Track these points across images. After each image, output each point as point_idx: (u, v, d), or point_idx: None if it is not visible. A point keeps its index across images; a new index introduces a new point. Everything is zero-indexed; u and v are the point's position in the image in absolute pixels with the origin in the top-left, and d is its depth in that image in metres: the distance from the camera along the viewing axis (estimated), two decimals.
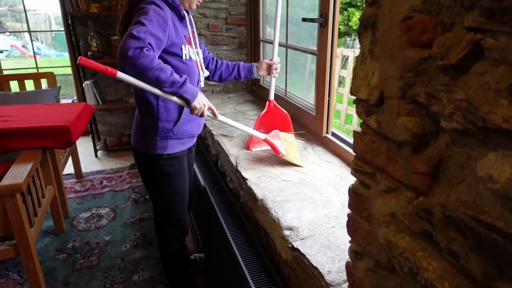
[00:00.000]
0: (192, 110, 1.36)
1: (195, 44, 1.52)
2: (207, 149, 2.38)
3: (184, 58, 1.41)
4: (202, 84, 1.54)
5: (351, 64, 5.34)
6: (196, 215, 2.33)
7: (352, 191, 0.78)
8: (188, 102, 1.34)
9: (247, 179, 1.54)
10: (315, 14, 1.93)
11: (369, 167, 0.71)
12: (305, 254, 1.08)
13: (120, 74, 1.26)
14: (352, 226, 0.81)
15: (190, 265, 1.99)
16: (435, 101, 0.53)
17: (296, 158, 1.67)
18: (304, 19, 1.80)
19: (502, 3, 0.41)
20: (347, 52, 5.60)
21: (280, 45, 2.36)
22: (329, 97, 1.81)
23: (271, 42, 2.56)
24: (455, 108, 0.49)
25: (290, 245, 1.15)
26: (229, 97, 2.87)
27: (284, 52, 2.29)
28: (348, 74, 5.31)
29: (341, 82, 5.78)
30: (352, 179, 1.45)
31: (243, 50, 2.88)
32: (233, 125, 1.60)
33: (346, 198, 1.37)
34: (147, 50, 1.19)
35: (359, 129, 0.73)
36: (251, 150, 1.83)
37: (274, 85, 1.84)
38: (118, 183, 3.08)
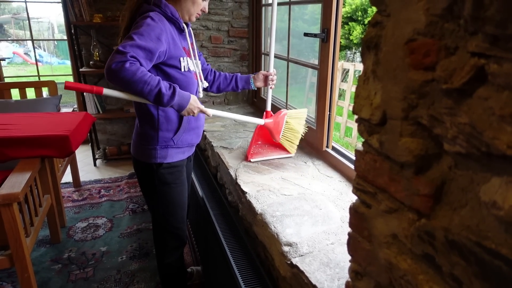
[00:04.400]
0: (181, 115, 1.40)
1: (194, 55, 1.54)
2: (206, 160, 2.38)
3: (183, 70, 1.42)
4: (201, 95, 1.55)
5: (351, 77, 5.37)
6: (193, 226, 2.32)
7: (353, 210, 0.77)
8: (177, 111, 1.38)
9: (246, 192, 1.53)
10: (316, 28, 1.95)
11: (371, 186, 0.71)
12: (304, 271, 1.07)
13: (106, 91, 1.31)
14: (352, 245, 0.80)
15: (187, 278, 1.97)
16: (438, 123, 0.53)
17: (291, 142, 1.79)
18: (306, 34, 1.82)
19: (506, 30, 0.41)
20: (347, 66, 5.65)
21: (281, 58, 2.38)
22: (329, 111, 1.81)
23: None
24: (459, 131, 0.49)
25: (289, 262, 1.14)
26: (230, 108, 2.87)
27: (286, 65, 2.30)
28: (348, 87, 5.35)
29: (341, 95, 5.82)
30: (352, 195, 1.44)
31: (245, 62, 2.89)
32: (227, 116, 1.64)
33: (346, 214, 1.36)
34: (130, 63, 1.20)
35: (360, 148, 0.73)
36: (249, 161, 1.82)
37: (270, 96, 1.86)
38: (116, 192, 3.06)
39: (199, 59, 1.65)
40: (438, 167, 0.56)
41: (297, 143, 1.81)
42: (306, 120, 2.08)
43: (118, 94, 1.32)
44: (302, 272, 1.07)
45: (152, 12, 1.34)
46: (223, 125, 2.47)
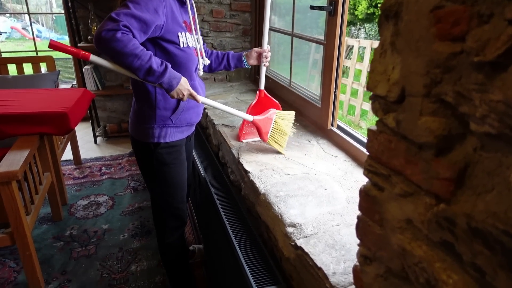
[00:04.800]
0: (170, 96, 1.33)
1: (196, 30, 1.46)
2: (208, 138, 2.33)
3: (182, 45, 1.35)
4: (200, 73, 1.49)
5: (355, 54, 5.24)
6: (195, 205, 2.30)
7: (364, 193, 0.73)
8: (166, 91, 1.31)
9: (249, 172, 1.49)
10: (321, 2, 1.86)
11: (384, 168, 0.66)
12: (309, 253, 1.04)
13: (93, 58, 1.24)
14: (362, 229, 0.76)
15: (189, 256, 1.96)
16: (465, 101, 0.48)
17: (279, 144, 1.66)
18: (312, 7, 1.73)
19: None
20: (352, 42, 5.50)
21: (285, 33, 2.29)
22: (335, 88, 1.75)
23: (277, 30, 2.49)
24: (489, 110, 0.44)
25: (293, 243, 1.11)
26: (232, 86, 2.81)
27: (290, 41, 2.22)
28: (352, 64, 5.22)
29: (344, 72, 5.70)
30: (358, 175, 1.40)
31: (247, 37, 2.80)
32: (216, 107, 1.54)
33: (351, 194, 1.33)
34: (122, 33, 1.14)
35: (374, 127, 0.68)
36: (241, 141, 1.78)
37: (264, 74, 1.77)
38: (117, 170, 3.04)
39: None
40: (462, 148, 0.51)
41: (285, 145, 1.69)
42: (310, 98, 2.02)
43: (106, 64, 1.25)
44: (306, 254, 1.05)
45: None
46: (225, 102, 2.41)
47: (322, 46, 1.82)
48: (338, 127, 1.81)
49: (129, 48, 1.16)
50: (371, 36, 7.36)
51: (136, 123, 1.46)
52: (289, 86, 2.26)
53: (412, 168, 0.60)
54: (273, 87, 2.50)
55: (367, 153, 0.71)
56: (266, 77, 2.65)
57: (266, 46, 1.69)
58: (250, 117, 1.65)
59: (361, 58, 5.26)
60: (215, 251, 1.72)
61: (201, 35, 1.56)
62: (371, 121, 5.00)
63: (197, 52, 1.45)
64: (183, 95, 1.33)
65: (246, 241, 1.43)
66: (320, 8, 1.68)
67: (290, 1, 2.18)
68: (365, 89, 5.40)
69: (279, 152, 1.66)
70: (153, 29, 1.25)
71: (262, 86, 1.80)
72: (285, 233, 1.17)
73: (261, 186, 1.39)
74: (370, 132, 0.69)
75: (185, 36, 1.37)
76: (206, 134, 2.39)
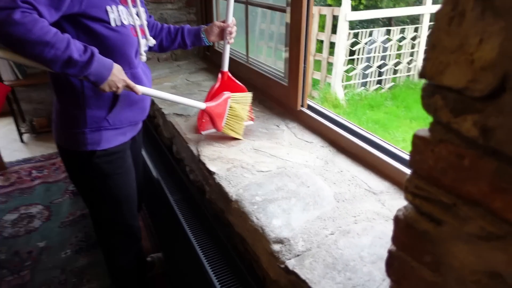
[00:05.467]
0: (100, 90, 1.02)
1: (134, 2, 1.13)
2: (157, 129, 2.01)
3: (113, 24, 1.03)
4: (143, 58, 1.17)
5: (329, 26, 4.89)
6: (150, 210, 2.00)
7: (405, 224, 0.51)
8: (94, 84, 1.00)
9: (214, 173, 1.23)
10: None
11: (446, 194, 0.44)
12: (307, 280, 0.82)
13: None
14: (399, 269, 0.55)
15: (147, 269, 1.68)
16: None
17: (235, 131, 1.45)
18: None
19: None
20: (324, 11, 5.08)
21: (237, 1, 1.98)
22: (304, 63, 1.51)
23: None
24: None
25: (282, 265, 0.89)
26: (179, 65, 2.46)
27: (244, 10, 1.92)
28: (326, 37, 4.86)
29: (319, 47, 5.32)
30: (341, 163, 1.18)
31: (192, 8, 2.44)
32: (162, 97, 1.24)
33: (338, 189, 1.12)
34: (22, 12, 0.82)
35: (424, 133, 0.45)
36: (201, 133, 1.50)
37: (228, 53, 1.48)
38: (52, 172, 2.61)
39: (143, 8, 1.24)
40: None
41: (242, 132, 1.47)
42: (274, 75, 1.77)
43: (7, 56, 0.90)
44: (303, 281, 0.83)
45: None
46: (174, 86, 2.08)
47: (278, 14, 1.56)
48: (309, 107, 1.58)
49: (35, 34, 0.83)
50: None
51: (61, 127, 1.12)
52: (247, 62, 1.98)
53: (506, 200, 0.38)
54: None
55: (410, 169, 0.48)
56: (217, 52, 2.35)
57: (230, 19, 1.38)
58: (202, 105, 1.37)
59: (322, 28, 5.00)
60: (177, 259, 1.46)
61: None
62: (324, 90, 4.88)
63: (136, 31, 1.12)
64: (117, 87, 1.02)
65: (216, 255, 1.19)
66: None
67: None
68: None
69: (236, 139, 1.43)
70: (69, 3, 0.92)
71: (226, 67, 1.50)
72: (270, 252, 0.93)
73: (232, 191, 1.14)
74: (418, 139, 0.46)
75: (118, 11, 1.04)
76: (154, 124, 2.06)
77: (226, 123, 1.43)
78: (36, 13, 0.84)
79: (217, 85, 1.50)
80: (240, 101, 1.46)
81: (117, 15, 1.03)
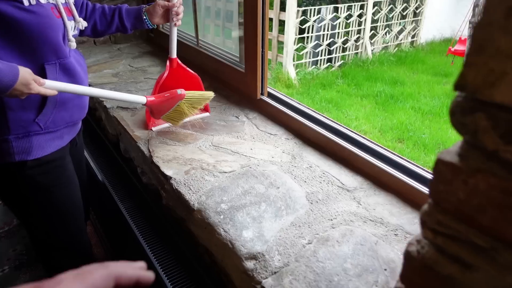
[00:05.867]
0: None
1: None
2: (99, 124, 1.79)
3: (26, 2, 0.83)
4: (73, 44, 0.97)
5: (277, 3, 4.66)
6: (98, 215, 1.80)
7: (421, 263, 0.42)
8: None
9: (170, 177, 1.08)
10: None
11: (481, 235, 0.35)
12: None
13: None
14: None
15: None
16: None
17: (173, 120, 1.32)
18: None
19: None
20: None
21: None
22: (262, 47, 1.38)
23: None
24: None
25: (259, 286, 0.79)
26: (120, 49, 2.21)
27: None
28: (275, 14, 4.67)
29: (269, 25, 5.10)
30: (309, 157, 1.09)
31: None
32: (89, 94, 1.03)
33: (310, 189, 1.04)
34: None
35: (453, 157, 0.35)
36: (151, 129, 1.34)
37: (175, 37, 1.29)
38: None
39: None
40: None
41: (182, 122, 1.35)
42: (228, 60, 1.62)
43: None
44: None
45: None
46: (116, 73, 1.86)
47: None
48: (270, 95, 1.47)
49: None
50: None
51: None
52: (197, 45, 1.81)
53: None
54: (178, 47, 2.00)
55: (431, 199, 0.39)
56: (162, 34, 2.13)
57: None
58: (142, 99, 1.18)
59: (270, 6, 4.81)
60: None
61: None
62: (276, 70, 4.79)
63: (59, 11, 0.92)
64: (21, 95, 0.82)
65: (178, 269, 1.07)
66: None
67: None
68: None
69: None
70: None
71: (174, 53, 1.32)
72: (243, 270, 0.83)
73: (193, 198, 1.01)
74: (444, 166, 0.36)
75: None
76: (96, 117, 1.83)
77: (166, 115, 1.28)
78: None
79: (166, 73, 1.32)
80: (195, 101, 1.29)
81: None
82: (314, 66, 5.06)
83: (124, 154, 1.51)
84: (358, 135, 1.18)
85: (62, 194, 1.04)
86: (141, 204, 1.27)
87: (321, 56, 5.08)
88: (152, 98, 1.20)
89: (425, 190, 0.94)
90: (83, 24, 1.02)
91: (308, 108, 1.34)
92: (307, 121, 1.28)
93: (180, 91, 1.23)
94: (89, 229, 1.52)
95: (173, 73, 1.33)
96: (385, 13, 5.60)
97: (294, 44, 4.70)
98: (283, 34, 4.64)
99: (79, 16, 1.12)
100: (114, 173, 1.44)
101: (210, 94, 1.32)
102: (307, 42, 4.91)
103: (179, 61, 1.34)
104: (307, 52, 4.94)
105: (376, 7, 5.42)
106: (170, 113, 1.27)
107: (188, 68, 1.37)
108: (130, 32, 1.22)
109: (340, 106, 4.17)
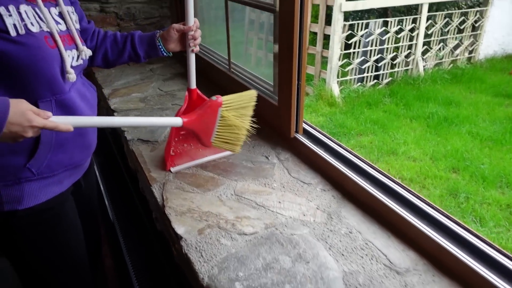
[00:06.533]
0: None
1: None
2: (120, 151, 1.68)
3: (13, 32, 0.71)
4: (72, 77, 0.82)
5: (323, 17, 4.44)
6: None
7: None
8: None
9: (181, 237, 0.92)
10: None
11: None
12: None
13: None
14: None
15: None
16: None
17: (231, 143, 1.11)
18: None
19: None
20: (318, 1, 4.63)
21: None
22: (299, 79, 1.19)
23: None
24: None
25: None
26: (152, 69, 2.12)
27: (223, 5, 1.58)
28: (320, 29, 4.46)
29: (313, 39, 4.87)
30: (348, 217, 0.88)
31: (165, 2, 2.09)
32: (111, 124, 0.88)
33: (349, 267, 0.82)
34: None
35: None
36: (169, 170, 1.18)
37: (194, 65, 1.13)
38: None
39: (72, 7, 0.91)
40: None
41: (241, 143, 1.13)
42: (262, 90, 1.44)
43: None
44: None
45: None
46: (144, 98, 1.75)
47: (269, 14, 1.23)
48: (306, 132, 1.27)
49: None
50: None
51: None
52: (229, 71, 1.66)
53: None
54: (207, 70, 1.87)
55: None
56: (197, 56, 1.99)
57: (192, 20, 1.04)
58: (178, 121, 1.02)
59: (314, 19, 4.63)
60: None
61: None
62: (318, 87, 4.56)
63: (55, 40, 0.79)
64: (24, 132, 0.68)
65: None
66: None
67: None
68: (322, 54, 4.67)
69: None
70: None
71: (193, 84, 1.17)
72: None
73: (203, 270, 0.83)
74: None
75: (19, 13, 0.72)
76: (119, 145, 1.72)
77: (217, 137, 1.08)
78: None
79: (184, 107, 1.17)
80: (237, 105, 1.09)
81: (19, 19, 0.72)
82: (359, 83, 4.77)
83: (141, 191, 1.37)
84: (412, 193, 0.95)
85: (59, 244, 0.91)
86: (150, 258, 1.12)
87: (367, 72, 4.79)
88: (187, 119, 1.02)
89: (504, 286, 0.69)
90: (86, 53, 0.89)
91: (350, 152, 1.13)
92: (347, 169, 1.07)
93: (215, 97, 1.05)
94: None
95: (193, 106, 1.17)
96: (440, 27, 5.19)
97: (339, 60, 4.46)
98: (328, 49, 4.41)
99: (89, 45, 1.01)
100: (128, 212, 1.31)
101: (252, 93, 1.12)
102: (353, 58, 4.64)
103: (199, 92, 1.19)
104: (352, 69, 4.67)
105: (430, 21, 5.04)
106: (220, 133, 1.08)
107: (208, 98, 1.20)
108: (144, 61, 1.09)
109: (386, 127, 3.86)
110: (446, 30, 5.28)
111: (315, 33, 4.60)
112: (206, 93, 1.20)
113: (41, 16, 0.77)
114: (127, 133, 1.42)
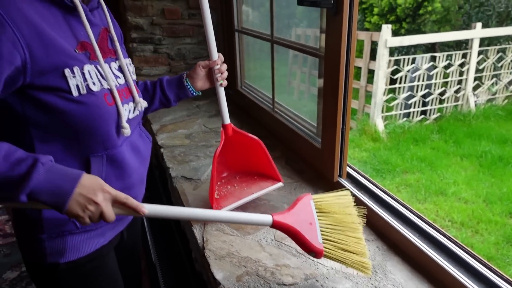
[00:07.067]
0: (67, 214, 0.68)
1: (115, 54, 0.86)
2: (165, 186, 1.72)
3: (75, 93, 0.73)
4: (127, 131, 0.82)
5: (367, 51, 4.37)
6: None
7: None
8: (56, 209, 0.67)
9: (220, 283, 0.91)
10: None
11: None
12: None
13: None
14: None
15: None
16: None
17: (350, 250, 0.83)
18: (301, 1, 1.14)
19: None
20: (361, 36, 4.56)
21: (263, 38, 1.70)
22: (343, 124, 1.18)
23: (249, 33, 1.89)
24: None
25: None
26: (198, 106, 2.20)
27: (269, 49, 1.63)
28: (364, 64, 4.40)
29: (357, 74, 4.83)
30: (394, 271, 0.82)
31: None
32: (197, 218, 0.87)
33: None
34: None
35: None
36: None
37: (224, 100, 1.13)
38: None
39: (129, 58, 0.95)
40: None
41: (366, 251, 0.85)
42: (306, 132, 1.44)
43: None
44: None
45: None
46: (189, 134, 1.81)
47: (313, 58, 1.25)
48: (349, 177, 1.24)
49: None
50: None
51: (16, 230, 0.85)
52: (273, 110, 1.68)
53: None
54: (251, 108, 1.91)
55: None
56: (241, 94, 2.06)
57: (216, 55, 1.05)
58: (268, 219, 0.83)
59: (359, 53, 4.64)
60: None
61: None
62: (362, 122, 4.48)
63: (113, 97, 0.81)
64: (91, 212, 0.68)
65: None
66: (314, 3, 1.10)
67: None
68: (367, 89, 4.61)
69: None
70: (7, 83, 0.65)
71: (227, 119, 1.17)
72: None
73: None
74: None
75: (82, 74, 0.74)
76: (162, 180, 1.78)
77: (325, 238, 0.84)
78: None
79: (220, 145, 1.16)
80: (330, 201, 0.89)
81: (82, 80, 0.74)
82: (405, 119, 4.63)
83: (182, 229, 1.39)
84: (465, 250, 0.88)
85: None
86: None
87: (414, 107, 4.65)
88: (279, 217, 0.84)
89: None
90: (142, 104, 0.91)
91: (395, 200, 1.08)
92: (393, 218, 1.02)
93: (305, 197, 0.89)
94: None
95: (230, 142, 1.18)
96: (493, 62, 4.98)
97: (384, 95, 4.38)
98: (372, 83, 4.37)
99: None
100: (168, 249, 1.33)
101: (346, 193, 0.92)
102: (398, 93, 4.55)
103: (234, 127, 1.20)
104: (398, 103, 4.56)
105: (481, 56, 4.85)
106: (326, 234, 0.84)
107: (246, 133, 1.21)
108: (175, 104, 1.09)
109: (435, 166, 3.68)
110: (499, 65, 5.05)
111: (360, 68, 4.59)
112: (250, 131, 1.21)
113: (103, 74, 0.79)
114: (172, 170, 1.47)
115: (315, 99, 1.34)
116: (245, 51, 2.05)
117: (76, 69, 0.73)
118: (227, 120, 1.17)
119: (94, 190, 0.68)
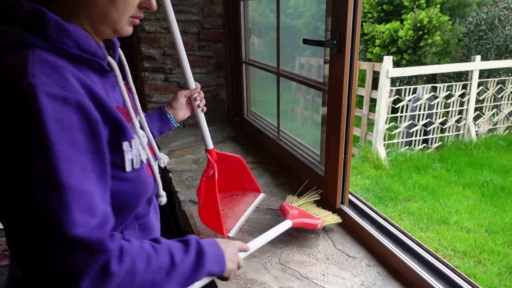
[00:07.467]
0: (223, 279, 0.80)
1: (135, 111, 0.76)
2: (172, 208, 1.78)
3: (128, 168, 0.65)
4: (163, 200, 0.81)
5: (369, 80, 4.51)
6: None
7: None
8: (220, 278, 0.79)
9: None
10: (301, 22, 1.36)
11: None
12: None
13: None
14: None
15: None
16: None
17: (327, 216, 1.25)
18: (306, 41, 1.24)
19: None
20: (363, 66, 4.72)
21: (269, 70, 1.80)
22: (345, 153, 1.24)
23: (256, 65, 1.99)
24: None
25: None
26: None
27: (276, 80, 1.72)
28: (366, 92, 4.53)
29: (359, 102, 4.91)
30: None
31: (221, 72, 2.30)
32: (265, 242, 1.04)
33: None
34: (118, 258, 0.55)
35: None
36: (226, 237, 1.22)
37: (205, 125, 1.18)
38: None
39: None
40: None
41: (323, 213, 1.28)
42: (309, 160, 1.51)
43: None
44: None
45: (31, 62, 0.53)
46: (196, 160, 1.87)
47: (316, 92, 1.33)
48: (351, 204, 1.29)
49: (140, 272, 0.58)
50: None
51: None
52: (278, 139, 1.75)
53: None
54: (256, 135, 1.98)
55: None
56: (247, 122, 2.13)
57: (193, 83, 1.10)
58: (289, 224, 1.14)
59: (361, 82, 4.77)
60: None
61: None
62: (364, 149, 4.55)
63: (151, 168, 0.75)
64: (238, 265, 0.83)
65: None
66: (319, 43, 1.19)
67: (269, 22, 1.70)
68: (369, 117, 4.73)
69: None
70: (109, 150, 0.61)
71: (210, 144, 1.22)
72: None
73: None
74: None
75: (135, 144, 0.67)
76: (170, 202, 1.83)
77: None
78: (125, 245, 0.58)
79: (216, 172, 1.20)
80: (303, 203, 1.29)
81: (136, 151, 0.67)
82: (407, 147, 4.69)
83: None
84: (464, 279, 0.92)
85: None
86: None
87: (415, 136, 4.72)
88: (296, 220, 1.17)
89: None
90: (165, 160, 0.86)
91: (396, 228, 1.13)
92: (393, 246, 1.07)
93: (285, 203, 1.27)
94: None
95: (218, 165, 1.23)
96: (493, 93, 5.09)
97: (386, 123, 4.47)
98: (374, 111, 4.46)
99: None
100: None
101: (335, 218, 1.26)
102: (400, 122, 4.64)
103: (217, 150, 1.26)
104: (399, 132, 4.64)
105: (481, 87, 4.97)
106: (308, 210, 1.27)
107: (228, 153, 1.29)
108: (160, 134, 1.06)
109: (437, 194, 3.71)
110: (499, 95, 5.16)
111: (362, 96, 4.70)
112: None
113: (140, 138, 0.70)
114: (180, 193, 1.53)
115: (318, 126, 1.42)
116: (251, 75, 2.15)
117: (134, 142, 0.66)
118: (211, 145, 1.22)
119: (234, 257, 0.81)
